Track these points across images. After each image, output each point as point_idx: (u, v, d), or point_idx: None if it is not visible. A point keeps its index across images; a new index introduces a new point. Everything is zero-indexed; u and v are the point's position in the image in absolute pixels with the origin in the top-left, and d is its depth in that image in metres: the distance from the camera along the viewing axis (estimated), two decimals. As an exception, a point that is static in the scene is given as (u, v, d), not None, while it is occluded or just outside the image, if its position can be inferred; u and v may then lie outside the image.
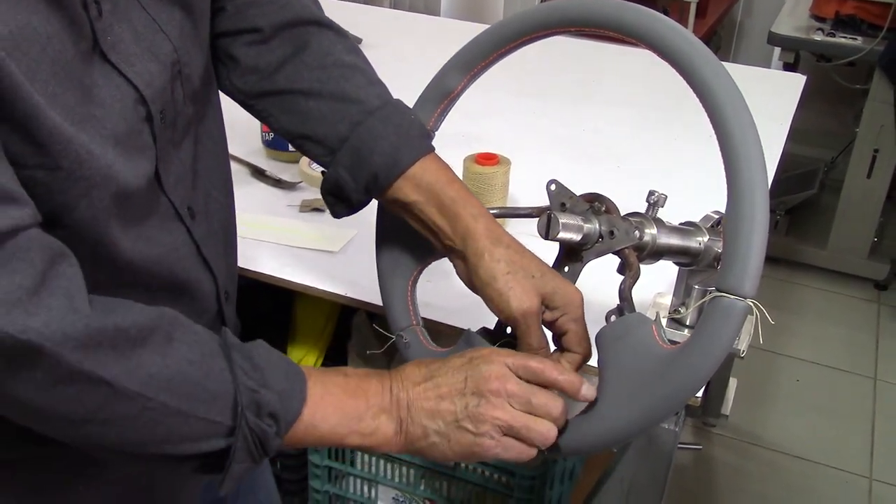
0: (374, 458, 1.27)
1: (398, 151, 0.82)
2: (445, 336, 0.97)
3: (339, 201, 0.87)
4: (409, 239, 0.87)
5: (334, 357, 1.34)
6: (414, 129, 0.84)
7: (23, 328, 0.56)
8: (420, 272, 0.89)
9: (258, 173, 1.40)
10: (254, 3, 0.86)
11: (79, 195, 0.64)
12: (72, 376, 0.59)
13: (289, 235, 1.24)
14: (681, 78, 0.71)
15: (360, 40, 1.95)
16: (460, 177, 1.22)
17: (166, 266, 0.76)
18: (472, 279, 0.80)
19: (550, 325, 0.80)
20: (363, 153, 0.83)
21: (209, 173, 0.84)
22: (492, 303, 0.79)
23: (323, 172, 0.87)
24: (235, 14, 0.86)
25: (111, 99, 0.66)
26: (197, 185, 0.81)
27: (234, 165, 1.40)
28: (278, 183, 1.38)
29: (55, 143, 0.60)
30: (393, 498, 1.31)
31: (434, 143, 0.88)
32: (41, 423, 0.64)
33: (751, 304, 0.65)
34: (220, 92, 0.89)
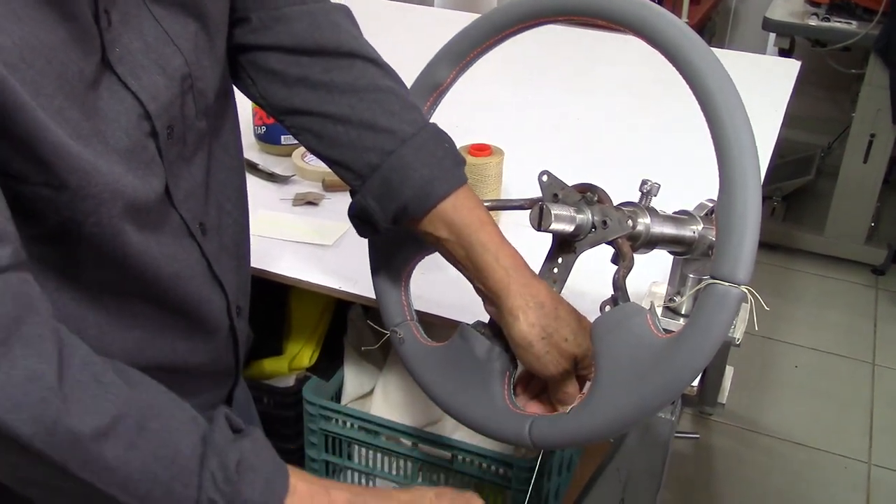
0: (371, 452, 1.27)
1: (430, 184, 0.79)
2: (439, 329, 0.96)
3: (366, 225, 0.84)
4: (402, 234, 0.87)
5: (330, 351, 1.34)
6: (448, 160, 0.81)
7: None
8: (413, 267, 0.88)
9: (251, 167, 1.40)
10: (283, 18, 0.82)
11: (87, 212, 0.63)
12: (17, 449, 0.55)
13: (282, 229, 1.23)
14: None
15: (352, 32, 1.95)
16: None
17: (177, 283, 0.75)
18: (506, 335, 0.79)
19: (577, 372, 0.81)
20: (394, 184, 0.79)
21: (223, 187, 0.83)
22: (525, 363, 0.79)
23: (352, 192, 0.84)
24: (264, 28, 0.82)
25: (115, 113, 0.65)
26: (210, 200, 0.80)
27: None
28: (271, 177, 1.38)
29: (60, 160, 0.59)
30: (391, 491, 1.31)
31: (425, 135, 0.88)
32: None
33: (745, 290, 0.65)
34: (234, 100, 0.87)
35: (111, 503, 0.60)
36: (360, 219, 0.84)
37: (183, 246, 0.75)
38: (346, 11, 0.86)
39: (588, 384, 0.77)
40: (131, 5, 0.66)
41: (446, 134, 0.83)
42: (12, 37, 0.55)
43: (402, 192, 0.79)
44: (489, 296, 0.79)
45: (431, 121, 0.86)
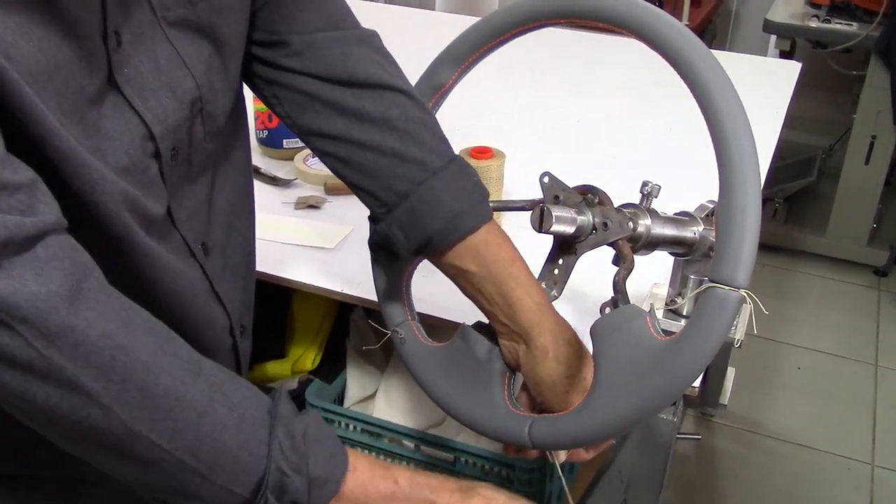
0: (373, 453, 1.27)
1: (459, 218, 0.79)
2: (441, 330, 0.97)
3: (386, 252, 0.84)
4: None
5: (333, 354, 1.34)
6: (477, 194, 0.81)
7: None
8: (415, 267, 0.89)
9: (253, 171, 1.40)
10: (315, 44, 0.81)
11: (87, 218, 0.63)
12: (85, 399, 0.57)
13: (284, 233, 1.23)
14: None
15: (353, 35, 1.95)
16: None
17: (180, 301, 0.74)
18: (528, 369, 0.80)
19: None
20: (421, 215, 0.79)
21: (232, 206, 0.83)
22: (546, 399, 0.79)
23: (371, 218, 0.84)
24: (296, 53, 0.81)
25: (116, 132, 0.64)
26: (214, 220, 0.79)
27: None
28: (273, 180, 1.38)
29: (68, 167, 0.59)
30: (394, 493, 1.31)
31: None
32: (55, 434, 0.61)
33: (744, 294, 0.65)
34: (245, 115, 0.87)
35: (179, 470, 0.62)
36: (381, 246, 0.84)
37: (184, 265, 0.75)
38: (375, 38, 0.86)
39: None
40: (146, 26, 0.66)
41: (472, 168, 0.83)
42: (21, 50, 0.55)
43: (430, 224, 0.79)
44: (516, 331, 0.79)
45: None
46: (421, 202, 0.79)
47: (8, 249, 0.54)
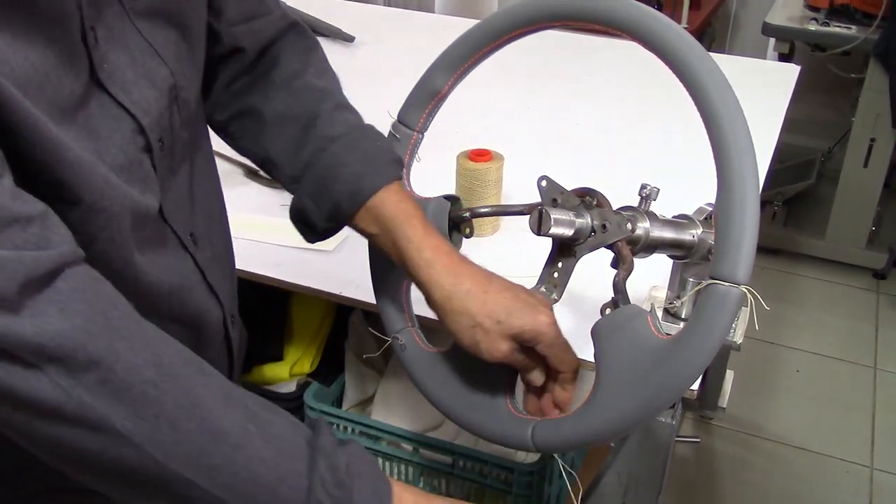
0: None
1: (361, 180, 0.79)
2: (441, 335, 0.97)
3: (308, 228, 0.84)
4: None
5: (331, 357, 1.34)
6: (381, 157, 0.81)
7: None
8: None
9: (251, 173, 1.40)
10: (241, 20, 0.83)
11: (100, 226, 0.62)
12: (116, 438, 0.56)
13: (283, 235, 1.23)
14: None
15: (352, 38, 1.95)
16: (454, 174, 1.23)
17: (179, 295, 0.74)
18: (440, 321, 0.79)
19: (532, 356, 0.78)
20: (326, 181, 0.80)
21: (207, 196, 0.83)
22: (463, 349, 0.77)
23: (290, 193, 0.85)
24: (226, 37, 0.83)
25: (108, 130, 0.64)
26: (196, 210, 0.79)
27: (227, 166, 1.40)
28: (271, 183, 1.38)
29: (77, 177, 0.59)
30: (392, 496, 1.31)
31: (426, 140, 0.88)
32: (85, 474, 0.60)
33: (745, 290, 0.65)
34: None
35: None
36: (299, 220, 0.84)
37: (178, 258, 0.75)
38: (293, 25, 0.87)
39: (584, 388, 0.77)
40: (115, 19, 0.66)
41: (382, 134, 0.84)
42: (9, 63, 0.54)
43: (335, 190, 0.79)
44: (420, 285, 0.78)
45: (430, 127, 0.87)
46: (324, 169, 0.80)
47: (29, 287, 0.53)
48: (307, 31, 0.89)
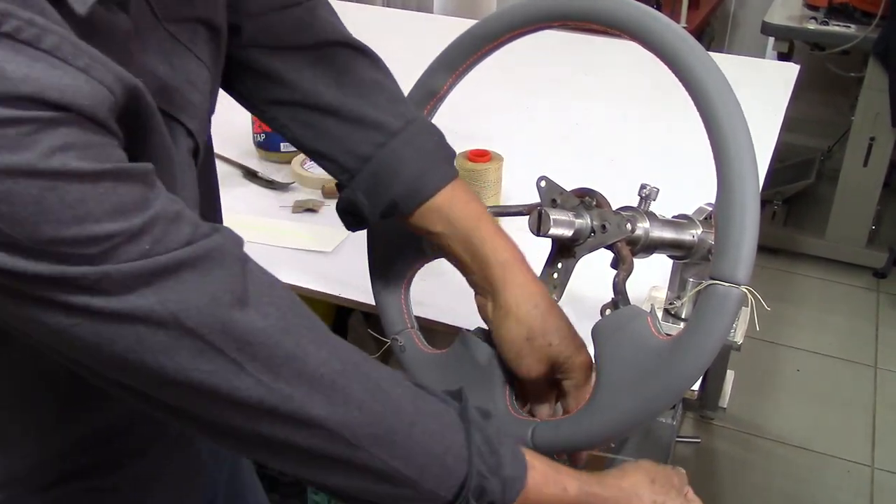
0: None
1: (421, 179, 0.78)
2: (440, 336, 0.96)
3: (355, 219, 0.84)
4: (401, 242, 0.87)
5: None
6: (440, 153, 0.81)
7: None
8: (413, 275, 0.88)
9: (250, 175, 1.40)
10: (273, 20, 0.81)
11: None
12: (311, 427, 0.59)
13: (282, 236, 1.23)
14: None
15: (351, 39, 1.95)
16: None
17: None
18: (494, 326, 0.79)
19: (555, 381, 0.80)
20: (383, 179, 0.79)
21: (208, 196, 0.81)
22: (505, 359, 0.79)
23: (338, 186, 0.84)
24: (256, 30, 0.81)
25: (157, 139, 0.63)
26: (204, 208, 0.78)
27: (226, 167, 1.40)
28: (270, 184, 1.38)
29: (178, 195, 0.59)
30: (393, 497, 1.31)
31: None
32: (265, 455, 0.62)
33: (745, 290, 0.65)
34: None
35: (394, 477, 0.63)
36: (349, 212, 0.83)
37: None
38: (324, 4, 0.85)
39: (582, 391, 0.77)
40: (149, 30, 0.65)
41: (436, 127, 0.82)
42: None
43: (392, 187, 0.79)
44: (485, 289, 0.79)
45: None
46: (382, 165, 0.79)
47: (241, 278, 0.56)
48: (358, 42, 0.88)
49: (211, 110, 0.74)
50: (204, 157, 0.74)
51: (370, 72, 0.83)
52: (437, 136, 0.82)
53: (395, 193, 0.79)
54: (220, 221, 0.88)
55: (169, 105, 0.65)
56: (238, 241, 0.59)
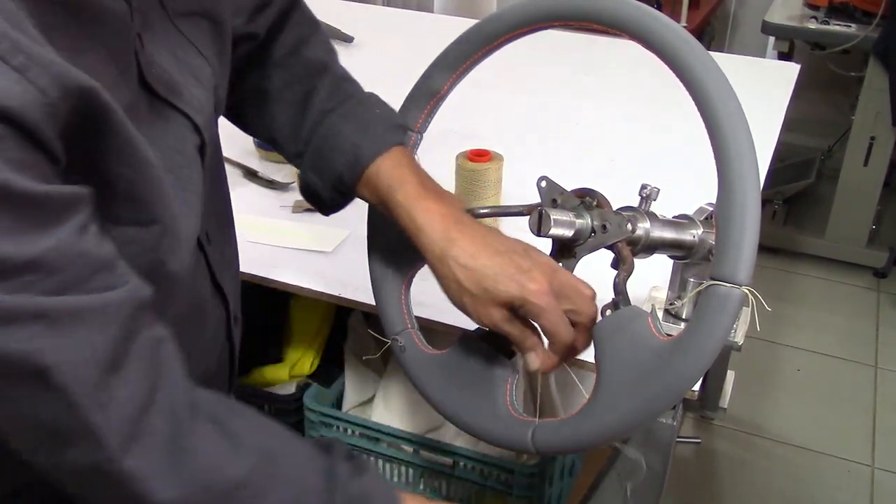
0: (372, 458, 1.26)
1: (358, 149, 0.78)
2: (440, 336, 0.96)
3: (318, 201, 0.84)
4: (401, 241, 0.87)
5: (331, 358, 1.33)
6: (379, 124, 0.80)
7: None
8: (413, 275, 0.88)
9: (250, 174, 1.40)
10: (255, 10, 0.83)
11: (172, 248, 0.62)
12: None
13: (282, 236, 1.23)
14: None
15: (351, 38, 1.95)
16: (453, 175, 1.22)
17: (185, 292, 0.73)
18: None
19: (527, 321, 0.76)
20: (325, 153, 0.79)
21: (219, 196, 0.82)
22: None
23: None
24: (239, 27, 0.82)
25: (162, 133, 0.63)
26: (210, 210, 0.78)
27: (226, 167, 1.39)
28: (271, 184, 1.38)
29: (154, 196, 0.58)
30: (393, 497, 1.31)
31: (424, 140, 0.88)
32: None
33: (746, 291, 0.65)
34: None
35: None
36: (308, 195, 0.84)
37: (195, 258, 0.74)
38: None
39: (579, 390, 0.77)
40: (157, 22, 0.65)
41: (383, 103, 0.83)
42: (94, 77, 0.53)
43: (335, 161, 0.79)
44: (421, 252, 0.77)
45: (430, 127, 0.86)
46: (323, 140, 0.79)
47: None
48: (307, 10, 0.89)
49: (218, 108, 0.74)
50: (212, 154, 0.74)
51: (316, 52, 0.84)
52: (382, 107, 0.82)
53: (338, 166, 0.79)
54: (231, 219, 0.87)
55: (177, 99, 0.65)
56: (140, 304, 0.55)
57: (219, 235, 0.80)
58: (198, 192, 0.67)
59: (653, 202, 0.82)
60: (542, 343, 0.76)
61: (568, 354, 0.76)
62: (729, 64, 0.69)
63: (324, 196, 0.82)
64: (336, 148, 0.79)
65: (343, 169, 0.79)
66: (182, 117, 0.65)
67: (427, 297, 1.03)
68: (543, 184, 0.81)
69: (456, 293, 0.75)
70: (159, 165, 0.59)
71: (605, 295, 0.77)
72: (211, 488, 0.58)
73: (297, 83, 0.82)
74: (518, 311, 0.74)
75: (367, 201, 0.82)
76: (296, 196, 1.34)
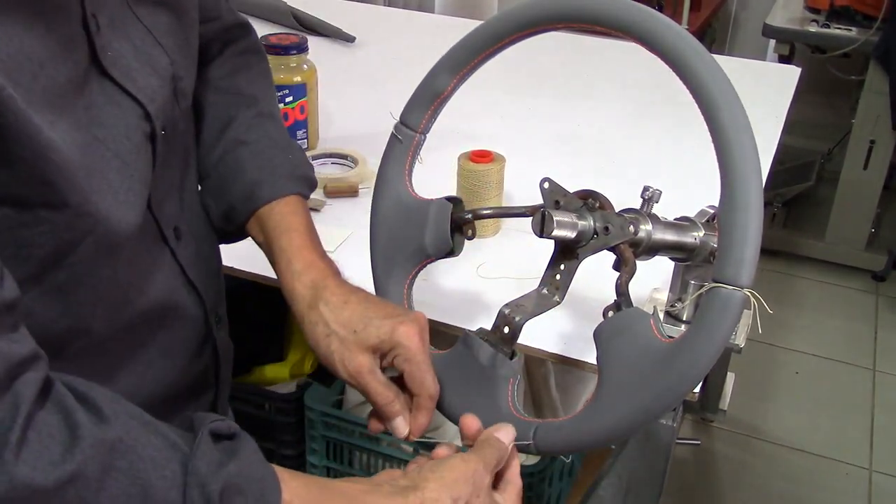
0: (372, 459, 1.27)
1: (257, 187, 0.80)
2: (443, 336, 0.96)
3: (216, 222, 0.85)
4: (403, 242, 0.87)
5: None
6: (285, 170, 0.82)
7: None
8: (415, 275, 0.88)
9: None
10: (204, 20, 0.83)
11: (86, 231, 0.61)
12: None
13: (284, 236, 1.23)
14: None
15: (353, 38, 1.95)
16: (455, 175, 1.22)
17: (150, 290, 0.72)
18: (309, 341, 0.77)
19: (392, 370, 0.75)
20: (226, 182, 0.81)
21: (196, 192, 0.82)
22: (327, 367, 0.75)
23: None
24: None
25: (114, 118, 0.63)
26: (185, 205, 0.79)
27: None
28: (273, 183, 1.38)
29: (64, 179, 0.57)
30: (392, 497, 1.31)
31: (427, 141, 0.88)
32: None
33: (748, 293, 0.65)
34: None
35: None
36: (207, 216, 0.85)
37: (155, 251, 0.73)
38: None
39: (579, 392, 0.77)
40: (116, 7, 0.66)
41: (301, 152, 0.84)
42: (2, 55, 0.53)
43: (232, 192, 0.80)
44: (288, 302, 0.78)
45: (427, 129, 0.86)
46: (228, 171, 0.81)
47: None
48: (256, 40, 0.90)
49: (180, 99, 0.74)
50: (175, 147, 0.74)
51: (247, 85, 0.86)
52: (296, 156, 0.84)
53: (232, 198, 0.81)
54: (185, 215, 0.86)
55: (131, 85, 0.65)
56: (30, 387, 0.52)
57: (193, 233, 0.80)
58: (145, 181, 0.67)
59: (655, 204, 0.83)
60: (408, 409, 0.76)
61: (428, 413, 0.75)
62: (730, 66, 0.69)
63: (215, 222, 0.83)
64: (238, 181, 0.81)
65: (237, 202, 0.81)
66: (134, 104, 0.65)
67: (429, 297, 1.03)
68: (546, 185, 0.81)
69: (323, 338, 0.74)
70: (72, 149, 0.58)
71: (606, 296, 0.77)
72: (31, 485, 0.51)
73: (222, 107, 0.84)
74: (385, 356, 0.74)
75: (254, 240, 0.83)
76: (297, 195, 1.34)
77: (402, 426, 0.75)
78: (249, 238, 0.86)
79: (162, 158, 0.71)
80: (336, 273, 0.79)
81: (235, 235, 0.85)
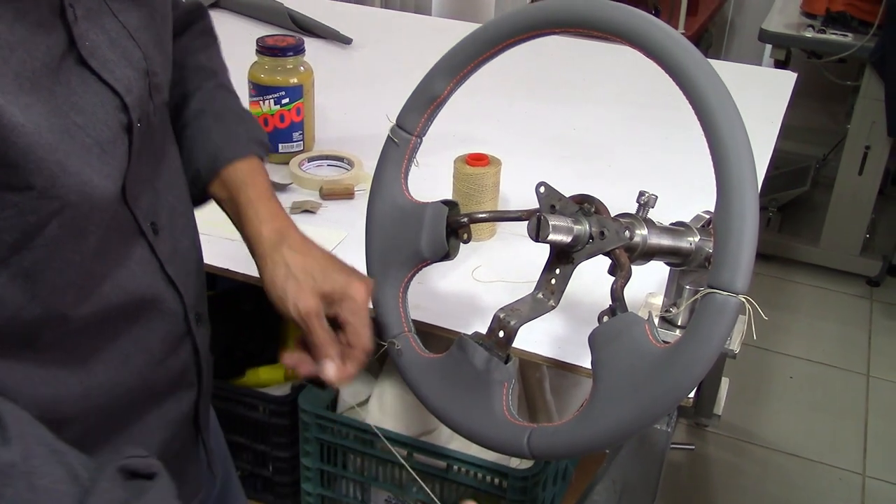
0: (366, 461, 1.27)
1: (220, 150, 0.85)
2: (437, 340, 0.96)
3: None
4: (399, 245, 0.87)
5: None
6: (244, 135, 0.88)
7: None
8: (411, 279, 0.88)
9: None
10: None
11: (52, 212, 0.61)
12: None
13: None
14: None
15: (350, 40, 1.95)
16: (451, 179, 1.22)
17: (126, 282, 0.72)
18: (262, 281, 0.82)
19: (334, 321, 0.82)
20: (189, 150, 0.86)
21: (171, 188, 0.82)
22: (276, 306, 0.81)
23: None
24: None
25: (92, 106, 0.64)
26: (162, 200, 0.79)
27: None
28: (268, 185, 1.37)
29: (28, 162, 0.58)
30: (385, 500, 1.31)
31: (423, 144, 0.88)
32: None
33: (743, 300, 0.65)
34: None
35: None
36: None
37: (132, 245, 0.74)
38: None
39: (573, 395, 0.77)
40: (91, 1, 0.67)
41: (256, 122, 0.91)
42: None
43: (196, 159, 0.86)
44: (249, 245, 0.84)
45: (423, 132, 0.86)
46: (191, 138, 0.87)
47: None
48: (211, 25, 0.96)
49: (155, 95, 0.75)
50: (154, 142, 0.76)
51: (206, 61, 0.92)
52: (252, 125, 0.90)
53: (197, 162, 0.86)
54: (191, 214, 0.87)
55: (108, 75, 0.66)
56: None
57: (170, 229, 0.80)
58: (121, 170, 0.68)
59: (650, 209, 0.83)
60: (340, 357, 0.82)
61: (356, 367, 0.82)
62: (726, 71, 0.69)
63: None
64: (200, 146, 0.86)
65: (201, 166, 0.86)
66: (112, 94, 0.67)
67: (424, 301, 1.03)
68: (542, 189, 0.81)
69: (282, 278, 0.80)
70: (46, 133, 0.59)
71: (602, 301, 0.77)
72: None
73: (183, 81, 0.89)
74: (333, 304, 0.81)
75: (218, 200, 0.87)
76: (294, 197, 1.34)
77: (332, 369, 0.81)
78: (240, 238, 0.87)
79: (137, 151, 0.71)
80: (295, 228, 0.85)
81: (198, 201, 0.89)
